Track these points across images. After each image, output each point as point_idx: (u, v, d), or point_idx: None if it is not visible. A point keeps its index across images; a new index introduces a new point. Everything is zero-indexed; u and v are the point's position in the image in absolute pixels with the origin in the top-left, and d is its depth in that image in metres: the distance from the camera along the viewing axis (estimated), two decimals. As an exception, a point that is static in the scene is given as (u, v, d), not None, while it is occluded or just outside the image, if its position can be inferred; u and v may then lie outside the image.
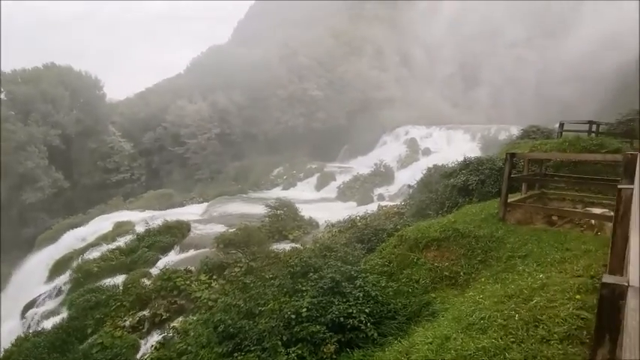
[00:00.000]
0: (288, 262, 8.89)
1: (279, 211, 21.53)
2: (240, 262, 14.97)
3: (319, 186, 39.66)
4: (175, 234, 21.14)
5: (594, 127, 15.80)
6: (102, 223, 28.74)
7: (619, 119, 16.57)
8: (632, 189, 3.39)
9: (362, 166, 42.67)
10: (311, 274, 7.63)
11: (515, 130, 30.09)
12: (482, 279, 6.39)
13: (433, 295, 6.66)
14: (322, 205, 33.24)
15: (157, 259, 18.74)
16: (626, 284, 2.02)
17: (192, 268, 16.23)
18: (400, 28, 61.52)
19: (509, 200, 8.06)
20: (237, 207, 31.83)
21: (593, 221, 7.49)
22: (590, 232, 7.26)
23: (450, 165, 18.01)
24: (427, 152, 41.48)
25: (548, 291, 4.60)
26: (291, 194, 36.45)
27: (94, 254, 21.01)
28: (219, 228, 22.43)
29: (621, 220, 3.41)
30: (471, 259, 7.09)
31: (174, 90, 55.72)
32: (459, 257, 7.24)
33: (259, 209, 23.55)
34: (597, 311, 2.16)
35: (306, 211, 23.76)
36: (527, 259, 6.27)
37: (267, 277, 8.77)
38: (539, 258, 6.11)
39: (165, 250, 19.82)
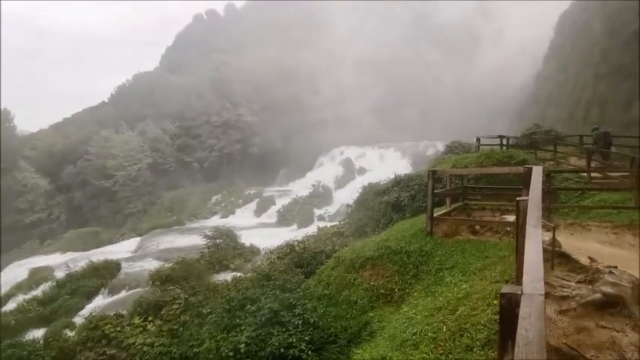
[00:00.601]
0: (225, 295, 8.53)
1: (218, 241, 20.83)
2: (178, 299, 14.07)
3: (259, 211, 39.12)
4: (103, 275, 19.43)
5: (505, 141, 17.55)
6: (16, 271, 25.69)
7: (524, 133, 18.60)
8: (527, 200, 3.77)
9: (301, 188, 42.97)
10: (249, 306, 7.39)
11: (440, 146, 32.28)
12: (415, 293, 6.65)
13: (371, 315, 6.78)
14: (263, 230, 32.80)
15: (82, 306, 17.00)
16: (520, 293, 2.21)
17: (124, 312, 14.93)
18: (329, 53, 64.13)
19: (435, 214, 8.55)
20: (174, 239, 30.35)
21: (508, 228, 8.19)
22: (507, 239, 7.92)
23: (383, 183, 18.81)
24: (362, 171, 42.97)
25: (471, 299, 4.91)
26: (230, 222, 35.57)
27: (11, 305, 18.63)
28: (155, 264, 21.07)
29: (521, 230, 3.76)
30: (404, 274, 7.37)
31: (97, 120, 52.29)
32: (393, 274, 7.49)
33: (198, 240, 22.59)
34: (499, 320, 2.34)
35: (246, 238, 23.29)
36: (453, 270, 6.67)
37: (204, 312, 8.29)
38: (464, 268, 6.52)
39: (91, 294, 18.09)
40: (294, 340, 6.21)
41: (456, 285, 5.76)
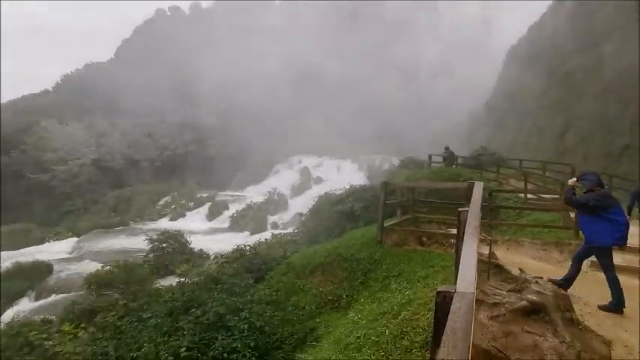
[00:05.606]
0: (168, 298, 8.19)
1: (164, 244, 19.98)
2: (116, 305, 13.21)
3: (211, 215, 38.03)
4: (31, 278, 17.88)
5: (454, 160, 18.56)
6: None
7: (472, 154, 19.80)
8: (467, 211, 4.04)
9: (256, 194, 42.43)
10: (194, 309, 7.15)
11: (396, 161, 33.43)
12: (362, 299, 6.81)
13: (318, 320, 6.82)
14: (214, 236, 31.97)
15: (2, 311, 15.52)
16: (453, 291, 2.37)
17: (53, 317, 13.80)
18: (291, 64, 64.49)
19: (386, 225, 8.83)
20: (116, 241, 28.69)
21: (452, 240, 8.64)
22: (451, 250, 8.34)
23: (338, 192, 19.10)
24: (319, 180, 43.28)
25: (413, 305, 5.12)
26: (180, 225, 34.34)
27: None
28: (92, 266, 19.76)
29: (461, 238, 4.02)
30: (353, 281, 7.52)
31: (37, 109, 48.57)
32: (342, 280, 7.62)
33: (142, 243, 21.53)
34: (434, 315, 2.49)
35: (196, 243, 22.54)
36: (399, 277, 6.91)
37: (144, 317, 7.86)
38: (409, 276, 6.79)
39: (14, 298, 16.58)
40: (239, 346, 6.08)
41: (400, 292, 5.97)
